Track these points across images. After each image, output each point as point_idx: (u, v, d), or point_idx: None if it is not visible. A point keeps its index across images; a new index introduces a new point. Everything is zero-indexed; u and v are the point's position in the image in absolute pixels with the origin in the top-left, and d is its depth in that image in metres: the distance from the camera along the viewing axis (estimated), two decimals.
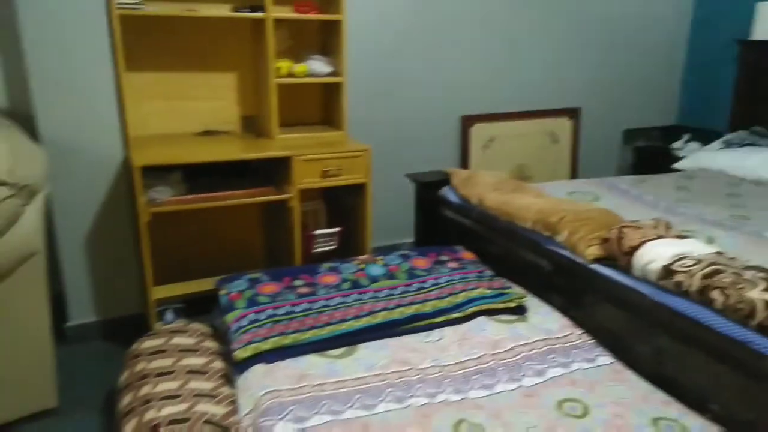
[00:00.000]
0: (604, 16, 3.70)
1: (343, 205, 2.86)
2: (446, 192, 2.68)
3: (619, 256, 1.82)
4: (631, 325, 1.77)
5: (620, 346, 1.78)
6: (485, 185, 2.50)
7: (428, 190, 2.74)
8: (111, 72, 2.34)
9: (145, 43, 2.51)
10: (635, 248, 1.78)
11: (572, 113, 3.77)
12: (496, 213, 2.33)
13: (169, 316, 2.48)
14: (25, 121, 2.33)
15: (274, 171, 2.61)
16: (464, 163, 3.43)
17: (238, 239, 2.91)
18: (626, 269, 1.81)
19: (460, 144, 3.43)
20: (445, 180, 2.73)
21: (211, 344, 2.00)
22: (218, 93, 2.78)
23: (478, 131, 3.42)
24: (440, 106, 3.33)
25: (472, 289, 2.08)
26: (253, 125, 2.85)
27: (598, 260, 1.91)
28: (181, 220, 2.64)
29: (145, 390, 1.74)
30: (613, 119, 3.96)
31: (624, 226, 1.87)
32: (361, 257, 2.38)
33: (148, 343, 1.99)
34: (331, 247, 2.74)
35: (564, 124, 3.74)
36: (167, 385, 1.74)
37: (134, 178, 2.22)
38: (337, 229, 2.74)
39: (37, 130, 2.27)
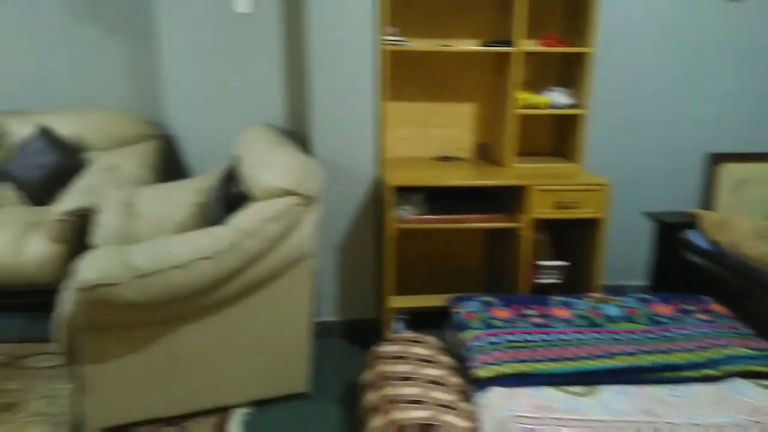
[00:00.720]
0: None
1: (569, 238, 2.81)
2: (692, 235, 2.48)
3: None
4: None
5: None
6: (744, 232, 2.26)
7: (669, 232, 2.57)
8: (371, 101, 2.63)
9: (399, 75, 2.77)
10: None
11: None
12: (759, 264, 2.10)
13: (398, 325, 2.67)
14: (299, 140, 2.73)
15: (506, 198, 2.67)
16: (708, 205, 3.13)
17: (461, 260, 3.03)
18: None
19: (704, 184, 3.15)
20: (688, 222, 2.53)
21: (444, 358, 2.11)
22: (456, 121, 2.95)
23: (728, 171, 3.10)
24: (685, 143, 3.09)
25: (728, 346, 1.90)
26: (486, 153, 2.96)
27: None
28: (414, 238, 2.83)
29: (389, 391, 1.90)
30: None
31: None
32: (593, 295, 2.32)
33: (389, 348, 2.16)
34: (556, 281, 2.71)
35: None
36: (409, 390, 1.87)
37: (387, 196, 2.46)
38: (565, 263, 2.70)
39: (312, 149, 2.64)
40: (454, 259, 3.03)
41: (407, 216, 2.54)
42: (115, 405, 2.02)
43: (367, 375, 2.10)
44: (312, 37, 2.54)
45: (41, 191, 3.16)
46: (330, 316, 2.80)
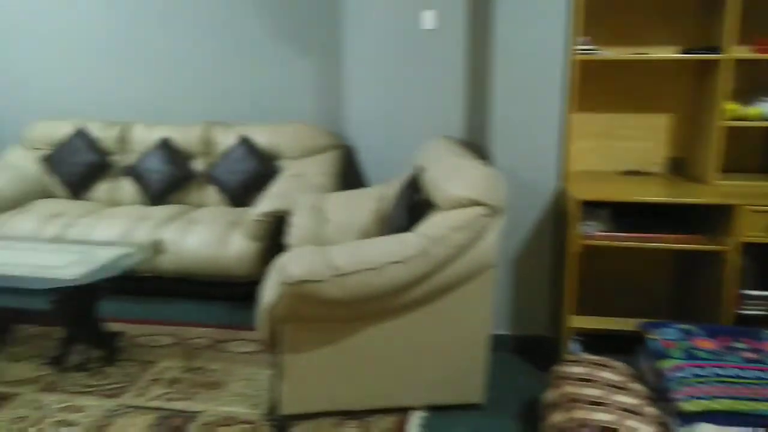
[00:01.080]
0: None
1: None
2: None
3: None
4: None
5: None
6: None
7: None
8: (556, 112, 2.56)
9: (586, 85, 2.66)
10: None
11: None
12: None
13: (574, 346, 2.55)
14: (477, 152, 2.75)
15: (703, 218, 2.44)
16: None
17: (646, 281, 2.82)
18: None
19: None
20: None
21: (637, 386, 1.97)
22: (646, 134, 2.76)
23: None
24: None
25: None
26: (680, 168, 2.73)
27: None
28: (594, 255, 2.69)
29: (579, 414, 1.81)
30: None
31: None
32: None
33: (573, 369, 2.08)
34: (766, 313, 2.40)
35: None
36: (602, 416, 1.78)
37: (572, 210, 2.37)
38: None
39: (492, 160, 2.64)
40: (638, 281, 2.82)
41: (593, 232, 2.42)
42: (307, 393, 2.17)
43: (551, 395, 2.03)
44: (498, 50, 2.55)
45: (241, 194, 3.54)
46: (502, 329, 2.76)
